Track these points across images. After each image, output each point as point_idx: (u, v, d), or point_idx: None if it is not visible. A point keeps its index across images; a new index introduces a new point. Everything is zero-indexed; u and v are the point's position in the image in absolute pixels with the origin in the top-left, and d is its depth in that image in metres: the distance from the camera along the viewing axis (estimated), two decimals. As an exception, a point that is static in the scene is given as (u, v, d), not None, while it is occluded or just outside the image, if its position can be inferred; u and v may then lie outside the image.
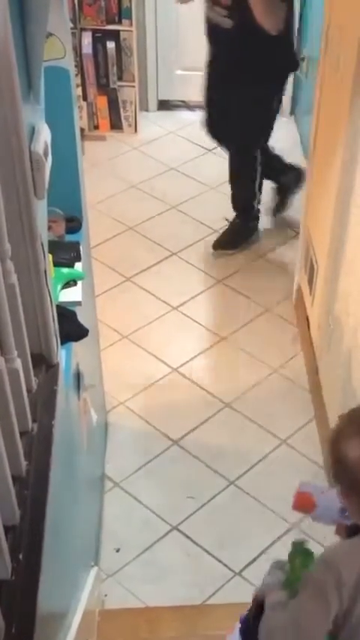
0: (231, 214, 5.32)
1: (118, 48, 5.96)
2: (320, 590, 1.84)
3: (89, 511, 3.30)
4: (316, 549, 2.18)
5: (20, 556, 1.72)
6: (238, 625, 2.27)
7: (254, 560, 3.56)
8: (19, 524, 1.77)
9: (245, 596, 3.37)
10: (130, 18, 5.86)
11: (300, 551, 2.12)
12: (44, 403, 2.10)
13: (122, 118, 6.32)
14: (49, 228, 2.61)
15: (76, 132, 3.09)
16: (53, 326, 2.20)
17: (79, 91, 5.95)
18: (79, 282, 2.96)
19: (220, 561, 3.56)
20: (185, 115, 6.67)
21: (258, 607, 2.17)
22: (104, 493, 3.82)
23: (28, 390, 1.99)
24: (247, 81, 4.50)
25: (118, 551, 3.60)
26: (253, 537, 3.66)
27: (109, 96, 6.22)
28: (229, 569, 3.53)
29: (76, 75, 5.71)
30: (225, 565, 3.54)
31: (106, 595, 3.40)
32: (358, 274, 3.43)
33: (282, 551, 3.49)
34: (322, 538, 3.11)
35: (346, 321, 3.59)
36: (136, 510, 3.76)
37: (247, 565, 3.55)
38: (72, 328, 2.71)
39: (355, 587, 1.81)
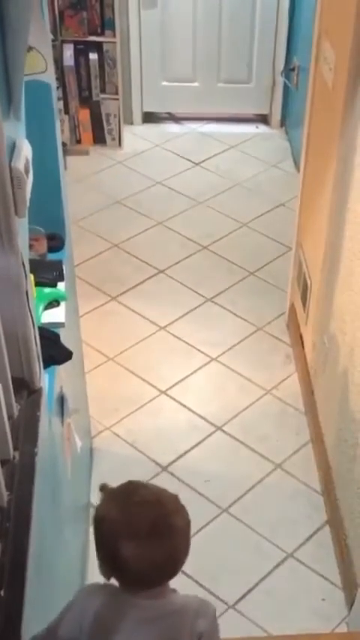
0: (219, 229, 5.23)
1: (101, 60, 5.95)
2: (56, 623, 1.98)
3: (74, 542, 3.24)
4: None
5: (2, 592, 1.67)
6: None
7: (249, 591, 3.48)
8: (0, 559, 1.74)
9: (240, 631, 3.33)
10: (113, 29, 5.84)
11: None
12: (26, 430, 2.07)
13: (106, 132, 6.30)
14: (31, 246, 2.60)
15: (58, 147, 3.07)
16: (35, 349, 2.17)
17: (61, 104, 5.93)
18: (63, 303, 2.90)
19: (212, 594, 3.45)
20: (171, 127, 6.71)
21: None
22: (90, 523, 3.65)
23: (10, 417, 1.96)
24: None
25: (105, 584, 3.46)
26: (248, 568, 3.58)
27: (92, 109, 6.19)
28: (223, 602, 3.43)
29: (58, 88, 5.63)
30: (218, 598, 3.44)
31: (92, 631, 3.26)
32: (353, 291, 3.38)
33: (278, 582, 3.44)
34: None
35: (341, 339, 3.54)
36: (123, 541, 3.62)
37: (241, 597, 3.46)
38: (55, 351, 2.65)
39: (92, 625, 1.95)
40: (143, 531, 1.84)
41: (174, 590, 1.99)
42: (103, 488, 1.98)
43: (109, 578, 1.94)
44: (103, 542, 1.90)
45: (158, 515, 1.86)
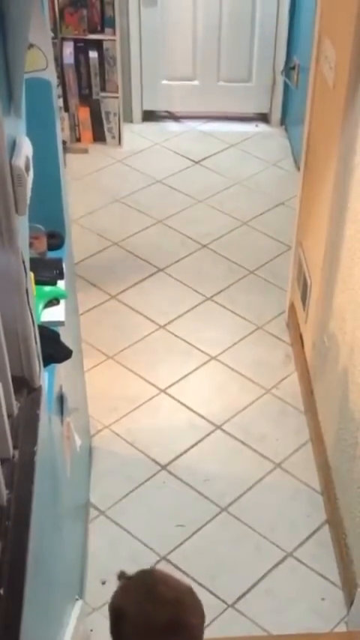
0: (219, 228, 5.20)
1: (101, 58, 5.93)
2: None
3: (73, 541, 3.23)
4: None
5: (1, 591, 1.65)
6: None
7: (248, 591, 3.47)
8: (0, 557, 1.71)
9: (240, 630, 3.33)
10: (113, 27, 5.82)
11: None
12: (26, 428, 2.04)
13: (105, 130, 6.28)
14: (31, 244, 2.57)
15: (58, 145, 3.06)
16: (35, 347, 2.13)
17: (61, 102, 5.87)
18: (62, 301, 2.89)
19: (212, 593, 3.44)
20: (171, 126, 6.67)
21: None
22: (89, 522, 3.72)
23: (9, 415, 1.94)
24: None
25: (104, 583, 3.47)
26: (247, 567, 3.57)
27: (92, 107, 6.18)
28: (222, 601, 3.42)
29: (58, 86, 5.60)
30: (217, 597, 3.43)
31: (91, 630, 3.29)
32: (353, 290, 3.36)
33: (277, 581, 3.44)
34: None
35: (342, 339, 3.52)
36: (122, 540, 3.65)
37: (240, 596, 3.45)
38: (55, 349, 2.63)
39: None
40: (160, 630, 1.87)
41: None
42: (121, 576, 2.00)
43: None
44: (120, 635, 1.93)
45: (176, 614, 1.88)
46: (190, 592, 1.96)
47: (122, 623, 1.91)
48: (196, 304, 4.88)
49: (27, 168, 1.87)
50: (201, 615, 1.93)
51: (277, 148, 6.32)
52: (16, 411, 2.02)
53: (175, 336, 4.65)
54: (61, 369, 2.74)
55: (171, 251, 5.29)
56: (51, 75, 2.83)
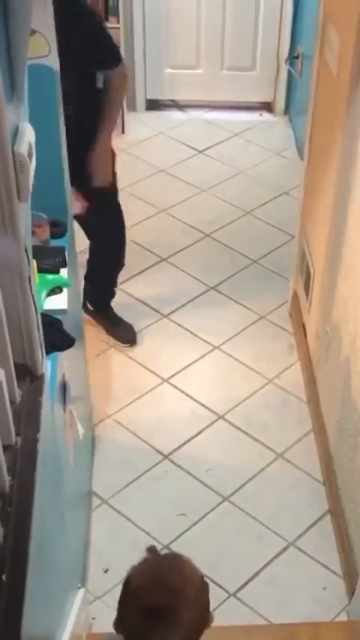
0: (222, 217, 5.18)
1: (105, 46, 5.84)
2: None
3: (76, 529, 3.23)
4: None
5: (4, 577, 1.65)
6: None
7: (250, 580, 3.47)
8: (2, 544, 1.71)
9: (241, 619, 3.31)
10: (117, 15, 5.82)
11: None
12: (28, 416, 2.04)
13: (109, 119, 6.18)
14: (33, 232, 2.58)
15: (61, 132, 3.05)
16: (38, 335, 2.14)
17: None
18: (65, 290, 2.89)
19: (213, 582, 3.41)
20: (175, 115, 6.64)
21: None
22: (91, 511, 3.72)
23: (12, 402, 1.94)
24: None
25: (106, 571, 3.49)
26: (248, 556, 3.57)
27: (96, 95, 6.09)
28: (224, 589, 3.42)
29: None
30: (219, 585, 3.42)
31: (93, 618, 3.30)
32: (357, 280, 3.35)
33: (279, 571, 3.44)
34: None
35: (344, 328, 3.51)
36: (124, 528, 3.65)
37: (242, 586, 3.45)
38: (57, 337, 2.64)
39: None
40: (150, 611, 1.86)
41: None
42: (150, 550, 2.00)
43: (117, 633, 1.96)
44: (121, 601, 1.95)
45: (169, 602, 1.86)
46: (199, 589, 1.93)
47: (125, 590, 1.93)
48: (199, 294, 4.87)
49: (29, 155, 1.86)
50: (200, 613, 1.90)
51: (280, 137, 6.31)
52: (18, 398, 2.02)
53: (178, 325, 4.65)
54: (64, 357, 2.74)
55: (174, 240, 5.28)
56: (54, 61, 2.83)
